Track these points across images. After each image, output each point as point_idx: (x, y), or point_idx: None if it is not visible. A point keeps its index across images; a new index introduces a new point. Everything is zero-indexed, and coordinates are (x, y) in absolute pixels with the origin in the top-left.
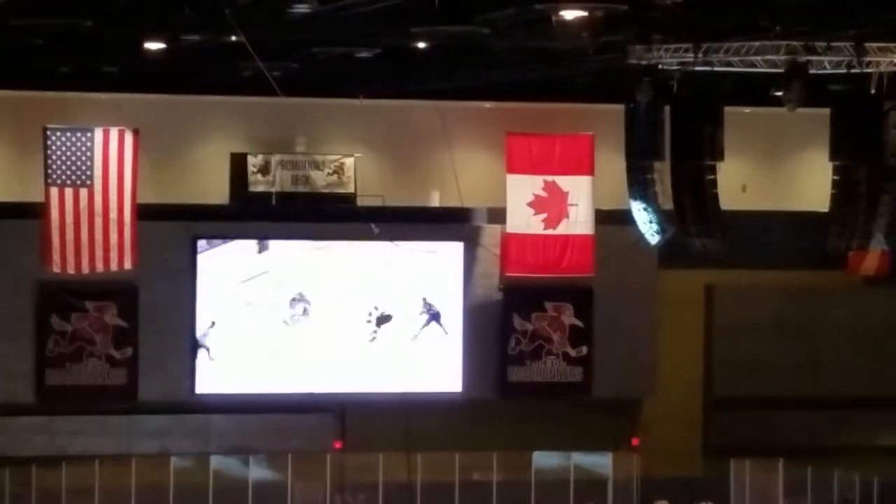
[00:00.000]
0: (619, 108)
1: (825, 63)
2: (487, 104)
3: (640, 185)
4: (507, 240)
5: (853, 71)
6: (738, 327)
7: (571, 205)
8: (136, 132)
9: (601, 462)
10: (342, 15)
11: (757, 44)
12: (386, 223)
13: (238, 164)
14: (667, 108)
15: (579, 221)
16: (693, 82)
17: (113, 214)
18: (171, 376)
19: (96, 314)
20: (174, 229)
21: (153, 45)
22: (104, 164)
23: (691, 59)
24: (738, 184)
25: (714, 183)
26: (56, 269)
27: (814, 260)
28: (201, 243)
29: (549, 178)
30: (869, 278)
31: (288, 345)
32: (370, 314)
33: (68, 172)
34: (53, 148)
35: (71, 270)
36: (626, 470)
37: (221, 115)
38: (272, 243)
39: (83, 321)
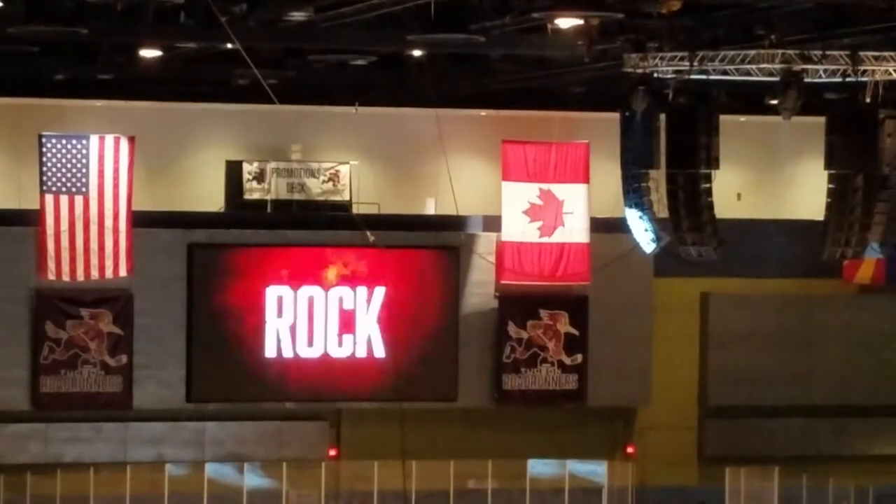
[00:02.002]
0: (615, 117)
1: (820, 72)
2: (483, 112)
3: (635, 193)
4: (502, 248)
5: (848, 80)
6: (733, 335)
7: (567, 213)
8: (131, 140)
9: (596, 470)
10: (338, 23)
11: (752, 53)
12: (381, 230)
13: (233, 171)
14: (662, 117)
15: (575, 229)
16: (688, 91)
17: (108, 222)
18: (165, 384)
19: (91, 321)
20: (169, 237)
21: (149, 53)
22: (100, 171)
23: (687, 68)
24: (734, 192)
25: (709, 191)
26: (51, 276)
27: (809, 268)
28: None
29: (545, 186)
30: (864, 286)
31: (283, 352)
32: (366, 321)
33: (64, 180)
34: (49, 155)
35: (66, 278)
36: (621, 478)
37: (217, 122)
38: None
39: (78, 328)
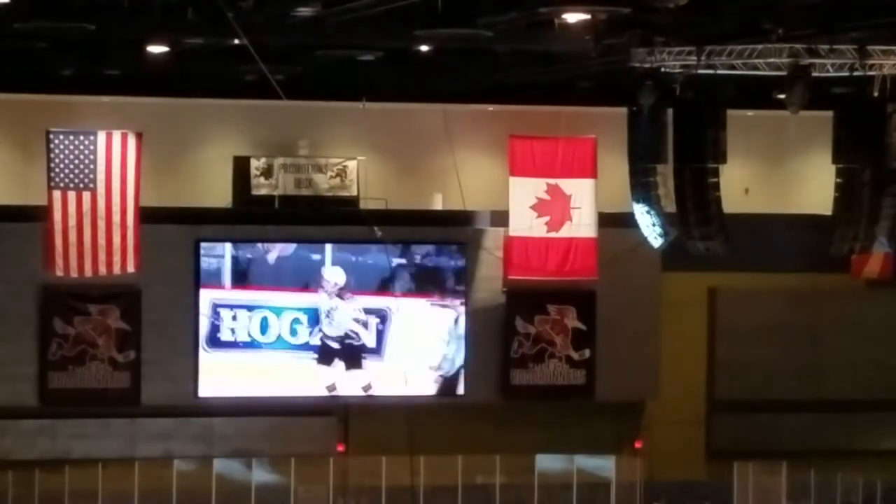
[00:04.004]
0: (622, 111)
1: (828, 66)
2: (490, 107)
3: (642, 187)
4: (509, 243)
5: (856, 73)
6: (740, 330)
7: (574, 208)
8: (139, 135)
9: (604, 465)
10: (345, 18)
11: (759, 47)
12: (389, 226)
13: (241, 167)
14: (669, 111)
15: (582, 224)
16: (696, 85)
17: (116, 218)
18: (173, 379)
19: (99, 317)
20: (177, 232)
21: (156, 49)
22: (107, 167)
23: (694, 63)
24: (741, 186)
25: (717, 186)
26: (59, 272)
27: (817, 263)
28: (204, 246)
29: (552, 181)
30: (872, 281)
31: (290, 347)
32: (373, 316)
33: (71, 176)
34: (56, 151)
35: (74, 274)
36: (629, 473)
37: (224, 118)
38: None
39: (86, 324)
